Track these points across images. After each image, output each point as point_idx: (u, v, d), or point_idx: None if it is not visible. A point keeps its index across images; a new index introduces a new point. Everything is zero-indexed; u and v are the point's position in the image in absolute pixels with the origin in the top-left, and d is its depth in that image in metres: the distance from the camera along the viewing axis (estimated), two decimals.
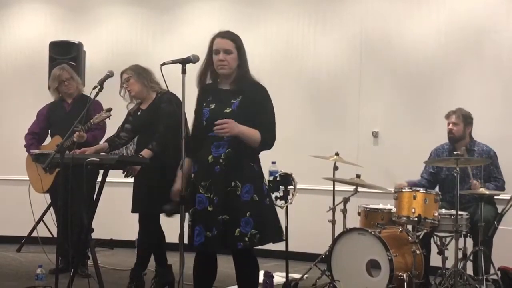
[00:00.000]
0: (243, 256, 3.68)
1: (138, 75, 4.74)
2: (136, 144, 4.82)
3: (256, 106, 3.64)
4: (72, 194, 4.06)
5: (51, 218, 5.90)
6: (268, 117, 3.70)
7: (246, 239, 3.53)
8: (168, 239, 4.71)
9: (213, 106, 3.68)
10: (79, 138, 4.79)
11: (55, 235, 5.72)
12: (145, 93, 4.77)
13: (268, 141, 3.67)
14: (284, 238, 3.77)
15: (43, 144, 5.61)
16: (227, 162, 3.58)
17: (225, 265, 4.10)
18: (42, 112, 5.63)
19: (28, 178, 5.57)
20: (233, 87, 3.69)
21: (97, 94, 4.30)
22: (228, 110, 3.60)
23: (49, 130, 5.61)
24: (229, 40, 3.68)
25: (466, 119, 5.29)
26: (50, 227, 6.26)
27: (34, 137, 5.56)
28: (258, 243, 3.57)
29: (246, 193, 3.58)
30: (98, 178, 4.75)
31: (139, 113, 4.79)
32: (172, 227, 4.28)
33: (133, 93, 4.76)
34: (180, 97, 3.64)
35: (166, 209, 3.66)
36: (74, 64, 6.41)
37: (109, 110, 4.77)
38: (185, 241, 3.62)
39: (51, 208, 5.87)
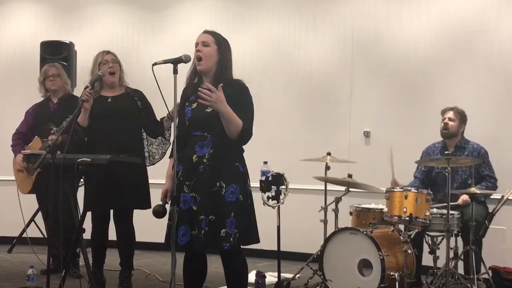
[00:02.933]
0: (231, 256, 3.67)
1: (120, 64, 4.83)
2: (98, 133, 4.69)
3: (235, 104, 3.58)
4: (57, 194, 4.03)
5: (42, 219, 5.87)
6: (246, 111, 3.63)
7: (231, 239, 3.53)
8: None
9: (194, 105, 3.68)
10: (52, 141, 4.75)
11: (46, 236, 5.71)
12: (118, 84, 4.81)
13: (246, 132, 3.60)
14: (259, 241, 3.76)
15: (28, 145, 5.58)
16: (211, 162, 3.58)
17: (216, 265, 4.10)
18: (30, 112, 5.59)
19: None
20: (212, 85, 3.68)
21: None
22: (208, 109, 3.57)
23: (35, 130, 5.56)
24: (209, 35, 3.74)
25: (462, 117, 5.34)
26: (41, 228, 6.24)
27: (20, 137, 5.52)
28: (237, 243, 3.57)
29: (231, 193, 3.58)
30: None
31: (109, 100, 4.74)
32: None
33: (114, 79, 4.76)
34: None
35: (157, 210, 3.64)
36: (65, 64, 6.38)
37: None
38: (159, 240, 3.65)
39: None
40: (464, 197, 5.03)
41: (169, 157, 3.89)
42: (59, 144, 4.24)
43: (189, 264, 3.76)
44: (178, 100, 3.72)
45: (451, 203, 4.69)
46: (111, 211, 4.78)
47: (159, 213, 3.64)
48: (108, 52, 4.80)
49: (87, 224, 4.66)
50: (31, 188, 5.37)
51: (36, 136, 5.38)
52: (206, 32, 3.77)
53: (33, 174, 5.27)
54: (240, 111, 3.59)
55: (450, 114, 5.33)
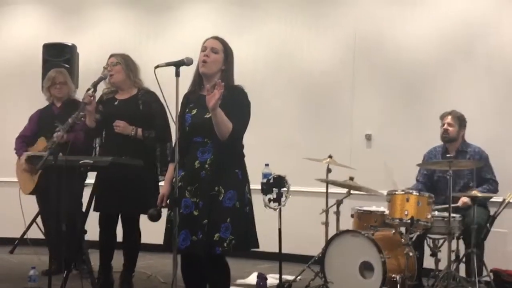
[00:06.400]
0: (217, 261, 3.68)
1: (126, 65, 4.74)
2: (105, 135, 4.73)
3: (230, 104, 3.59)
4: (59, 196, 4.05)
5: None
6: (238, 112, 3.62)
7: (225, 244, 3.54)
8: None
9: (194, 111, 3.69)
10: (57, 138, 4.77)
11: (45, 237, 5.72)
12: (127, 85, 4.75)
13: (235, 133, 3.58)
14: (258, 246, 3.76)
15: (32, 147, 5.60)
16: (212, 168, 3.60)
17: None
18: (34, 116, 5.61)
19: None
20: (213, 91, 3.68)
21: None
22: (208, 115, 3.57)
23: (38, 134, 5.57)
24: (219, 42, 3.73)
25: (461, 121, 5.34)
26: (42, 229, 6.25)
27: (24, 141, 5.54)
28: (233, 249, 3.57)
29: (228, 199, 3.59)
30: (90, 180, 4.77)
31: (115, 103, 4.74)
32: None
33: (113, 80, 4.72)
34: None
35: (152, 214, 3.65)
36: (67, 66, 6.40)
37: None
38: (160, 242, 3.67)
39: None
40: (464, 199, 5.03)
41: (169, 162, 3.90)
42: (64, 143, 4.27)
43: (187, 269, 3.76)
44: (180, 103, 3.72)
45: (452, 205, 4.69)
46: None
47: (153, 216, 3.65)
48: (111, 56, 4.80)
49: (95, 226, 4.68)
50: (34, 188, 5.39)
51: (41, 137, 5.39)
52: (216, 38, 3.76)
53: (36, 174, 5.28)
54: (233, 111, 3.59)
55: (449, 119, 5.32)
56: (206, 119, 3.59)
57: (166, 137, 4.73)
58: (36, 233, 6.29)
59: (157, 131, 4.66)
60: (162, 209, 3.70)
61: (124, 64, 4.73)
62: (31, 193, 5.46)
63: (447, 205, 4.72)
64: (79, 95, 5.56)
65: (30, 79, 6.94)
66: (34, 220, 6.36)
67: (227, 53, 3.73)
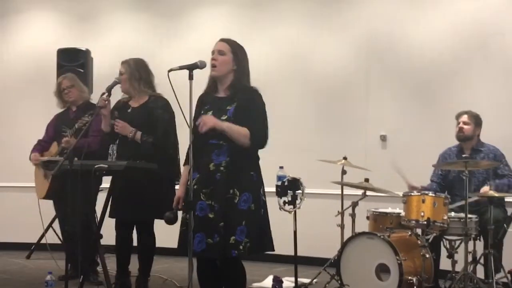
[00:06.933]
0: (233, 264, 3.68)
1: (130, 75, 4.68)
2: (118, 145, 4.75)
3: (248, 110, 3.65)
4: (74, 200, 4.06)
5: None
6: (255, 115, 3.67)
7: (241, 247, 3.55)
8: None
9: (210, 113, 3.70)
10: (65, 143, 4.79)
11: (62, 242, 5.75)
12: (132, 93, 4.73)
13: (257, 136, 3.63)
14: (274, 249, 3.76)
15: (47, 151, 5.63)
16: (227, 170, 3.60)
17: None
18: (50, 123, 5.65)
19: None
20: (228, 94, 3.72)
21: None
22: (224, 117, 3.62)
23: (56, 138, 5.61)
24: (226, 43, 3.76)
25: (476, 120, 5.30)
26: (59, 234, 6.28)
27: (39, 143, 5.58)
28: (248, 252, 3.58)
29: (244, 202, 3.60)
30: (105, 184, 4.78)
31: (129, 110, 4.73)
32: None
33: (121, 89, 4.73)
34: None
35: (168, 217, 3.65)
36: (82, 71, 6.44)
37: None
38: (175, 245, 3.69)
39: None
40: (486, 188, 4.95)
41: (184, 165, 3.90)
42: (74, 148, 4.30)
43: (202, 272, 3.77)
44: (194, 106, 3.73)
45: (470, 199, 4.63)
46: None
47: (170, 219, 3.66)
48: (121, 63, 4.79)
49: (111, 231, 4.70)
50: (46, 193, 5.42)
51: (55, 142, 5.43)
52: (222, 40, 3.79)
53: (48, 178, 5.32)
54: (250, 116, 3.64)
55: (465, 118, 5.29)
56: (222, 120, 3.61)
57: (165, 146, 4.62)
58: (53, 238, 6.32)
59: (154, 137, 4.58)
60: (178, 212, 3.70)
61: (128, 73, 4.68)
62: (44, 198, 5.49)
63: (463, 202, 4.66)
64: (94, 99, 5.59)
65: (45, 84, 6.96)
66: (50, 225, 6.40)
67: (236, 52, 3.74)
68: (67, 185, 4.08)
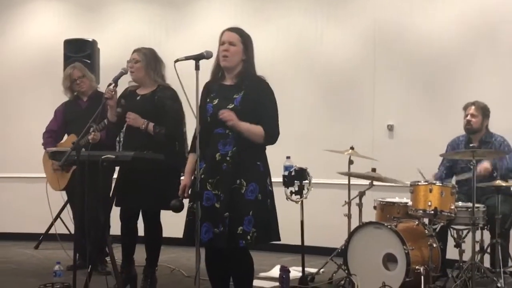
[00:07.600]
0: (241, 254, 3.69)
1: (147, 64, 4.67)
2: (125, 130, 4.73)
3: (257, 101, 3.65)
4: (89, 191, 4.08)
5: (68, 215, 5.93)
6: (269, 112, 3.70)
7: (248, 237, 3.55)
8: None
9: (216, 101, 3.69)
10: (94, 139, 4.79)
11: (73, 232, 5.77)
12: (146, 82, 4.72)
13: (271, 135, 3.67)
14: (280, 238, 3.76)
15: (60, 142, 5.64)
16: (234, 160, 3.60)
17: None
18: (59, 110, 5.65)
19: (45, 176, 5.63)
20: (235, 82, 3.71)
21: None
22: (230, 106, 3.62)
23: (66, 128, 5.62)
24: (236, 34, 3.74)
25: (484, 111, 5.27)
26: (67, 224, 6.31)
27: (51, 135, 5.59)
28: (255, 242, 3.58)
29: (250, 192, 3.59)
30: (114, 175, 4.78)
31: (137, 98, 4.72)
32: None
33: (133, 77, 4.71)
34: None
35: (175, 205, 3.65)
36: (88, 61, 6.45)
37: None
38: (180, 235, 3.69)
39: (68, 205, 5.91)
40: (485, 164, 4.94)
41: (189, 153, 3.90)
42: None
43: (211, 261, 3.78)
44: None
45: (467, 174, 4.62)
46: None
47: (176, 207, 3.66)
48: (134, 51, 4.78)
49: (119, 221, 4.71)
50: (66, 185, 5.46)
51: (72, 134, 5.43)
52: (231, 30, 3.76)
53: (69, 171, 5.33)
54: (264, 112, 3.65)
55: (472, 109, 5.25)
56: (229, 110, 3.61)
57: (176, 135, 4.64)
58: (61, 228, 6.35)
59: (166, 128, 4.58)
60: (184, 200, 3.71)
61: (145, 62, 4.67)
62: (64, 189, 5.52)
63: (471, 174, 4.60)
64: (101, 90, 5.59)
65: (52, 75, 6.98)
66: (58, 215, 6.43)
67: (246, 43, 3.73)
68: (79, 176, 4.10)
